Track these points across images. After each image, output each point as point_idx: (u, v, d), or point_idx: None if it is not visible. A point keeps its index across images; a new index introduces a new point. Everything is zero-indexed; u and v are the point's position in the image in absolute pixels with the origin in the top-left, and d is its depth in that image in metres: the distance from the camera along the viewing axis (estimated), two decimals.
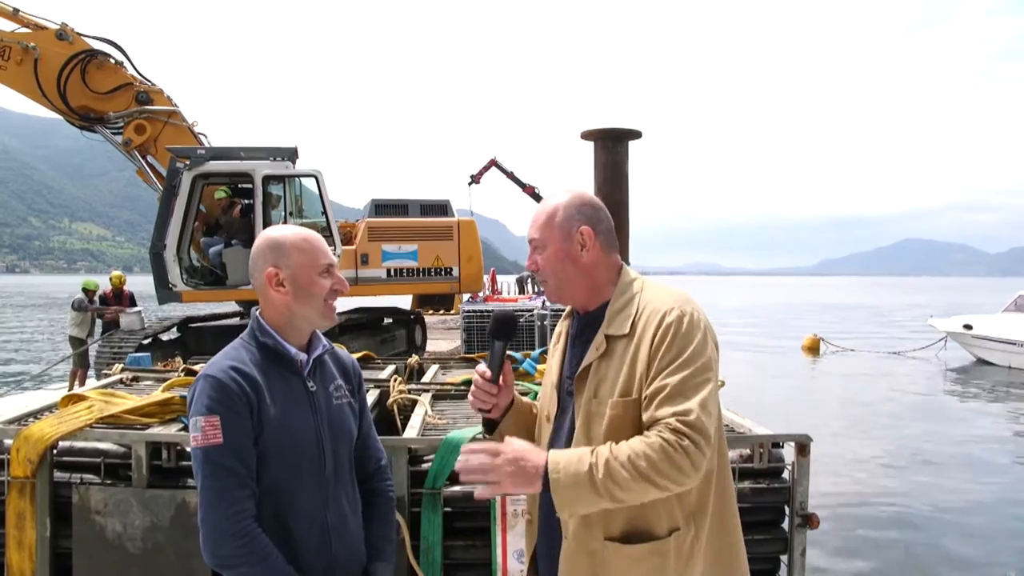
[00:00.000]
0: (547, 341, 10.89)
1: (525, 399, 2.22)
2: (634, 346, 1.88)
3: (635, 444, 1.73)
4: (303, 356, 2.00)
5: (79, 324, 12.50)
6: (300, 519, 1.92)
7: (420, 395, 4.22)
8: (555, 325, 2.24)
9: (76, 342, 12.47)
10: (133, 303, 12.84)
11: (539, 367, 4.65)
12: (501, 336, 2.06)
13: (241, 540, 1.79)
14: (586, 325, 2.02)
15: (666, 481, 1.70)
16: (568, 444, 1.93)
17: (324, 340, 2.09)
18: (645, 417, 1.79)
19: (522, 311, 12.47)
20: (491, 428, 2.15)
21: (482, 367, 2.05)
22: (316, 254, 1.98)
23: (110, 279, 13.32)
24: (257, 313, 2.01)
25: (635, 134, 5.24)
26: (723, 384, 4.70)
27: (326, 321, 2.02)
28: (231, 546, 1.79)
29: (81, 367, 12.24)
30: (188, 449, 3.22)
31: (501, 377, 2.05)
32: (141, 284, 15.00)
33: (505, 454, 1.77)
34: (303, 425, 1.95)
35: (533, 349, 5.40)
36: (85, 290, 12.71)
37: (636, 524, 1.85)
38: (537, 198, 27.20)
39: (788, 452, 3.45)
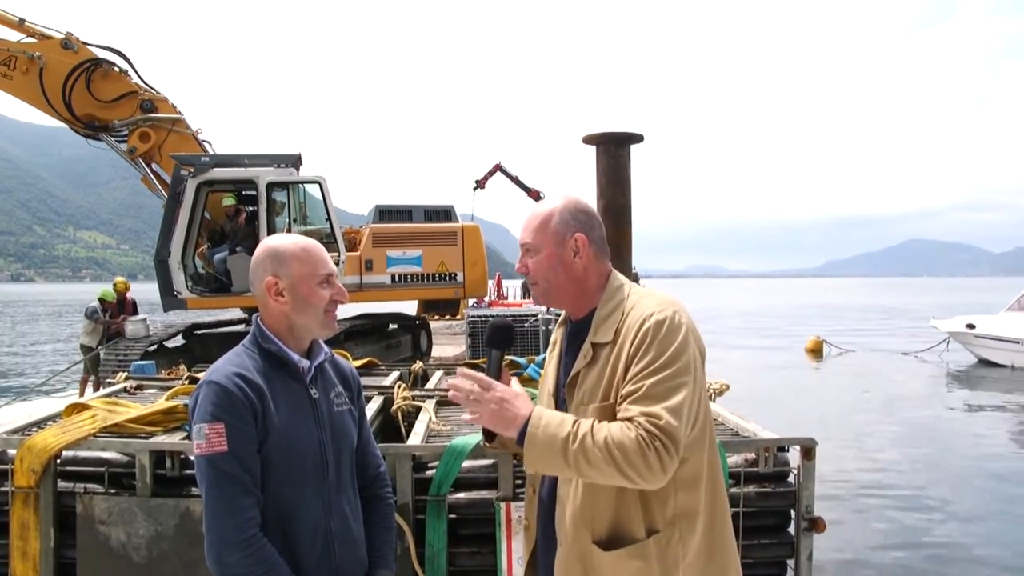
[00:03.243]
0: None
1: None
2: (615, 352, 1.89)
3: (615, 431, 1.75)
4: (306, 363, 1.99)
5: (90, 333, 12.55)
6: (303, 526, 1.91)
7: (424, 401, 4.21)
8: None
9: (87, 351, 12.52)
10: (135, 311, 12.86)
11: (543, 372, 4.65)
12: (498, 345, 2.06)
13: (247, 549, 1.78)
14: (577, 333, 2.03)
15: (633, 473, 1.73)
16: None
17: (325, 347, 2.08)
18: (619, 416, 1.81)
19: (526, 316, 12.47)
20: (491, 437, 2.16)
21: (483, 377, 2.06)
22: (316, 264, 1.97)
23: (114, 286, 13.36)
24: (258, 319, 2.01)
25: (637, 138, 5.23)
26: (728, 388, 4.70)
27: (325, 331, 2.01)
28: (237, 555, 1.78)
29: (94, 373, 12.28)
30: (192, 457, 3.22)
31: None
32: (146, 292, 15.03)
33: (495, 391, 1.83)
34: (306, 432, 1.94)
35: (538, 354, 5.40)
36: (102, 300, 12.74)
37: (619, 527, 1.87)
38: None
39: (793, 456, 3.44)
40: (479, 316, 13.08)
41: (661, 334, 1.83)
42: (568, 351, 2.05)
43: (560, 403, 2.03)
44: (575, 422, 1.78)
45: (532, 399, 2.21)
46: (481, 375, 1.88)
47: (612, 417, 1.83)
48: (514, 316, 12.17)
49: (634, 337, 1.85)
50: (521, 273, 2.05)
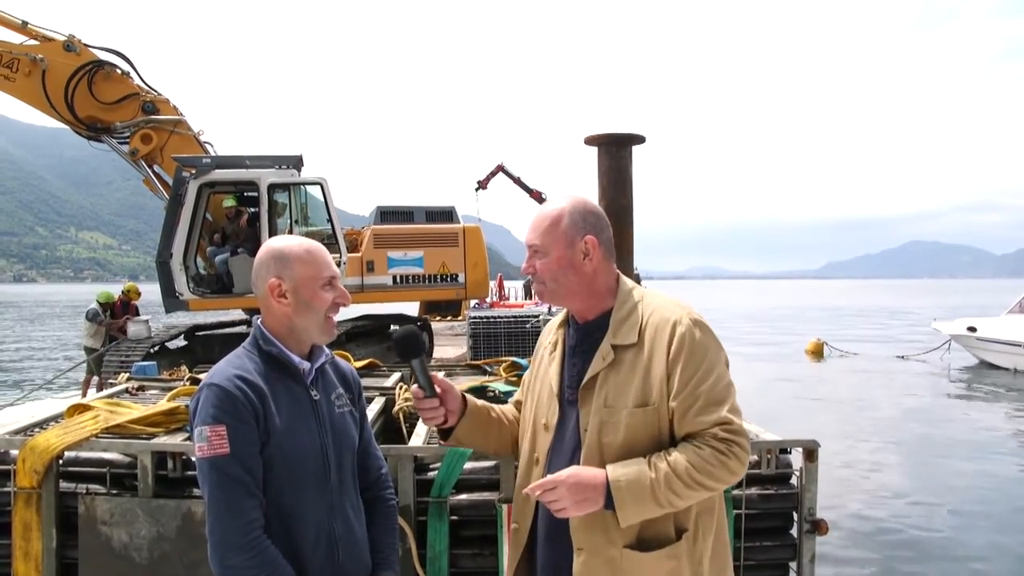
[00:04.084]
0: None
1: (480, 402, 2.22)
2: (645, 355, 1.90)
3: (690, 456, 1.81)
4: (307, 365, 1.99)
5: (93, 335, 12.56)
6: (307, 528, 1.91)
7: None
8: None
9: (90, 352, 12.54)
10: (137, 313, 12.87)
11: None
12: (410, 355, 2.05)
13: (250, 552, 1.78)
14: (586, 335, 2.02)
15: (721, 484, 1.84)
16: (575, 452, 1.95)
17: (326, 350, 2.08)
18: (683, 427, 1.86)
19: (528, 316, 12.45)
20: (446, 435, 2.16)
21: (415, 388, 2.06)
22: (319, 266, 1.97)
23: (126, 291, 13.33)
24: (259, 322, 2.00)
25: (638, 139, 5.22)
26: None
27: (325, 336, 2.01)
28: (240, 558, 1.78)
29: (96, 374, 12.31)
30: (193, 459, 3.22)
31: (437, 388, 2.06)
32: (147, 293, 15.03)
33: (562, 483, 1.83)
34: (308, 434, 1.94)
35: None
36: (100, 303, 12.70)
37: (652, 530, 1.88)
38: (544, 203, 27.17)
39: (796, 458, 3.43)
40: (480, 317, 13.06)
41: (697, 338, 1.89)
42: (576, 352, 2.03)
43: (566, 404, 2.02)
44: (650, 464, 1.82)
45: (483, 390, 2.20)
46: (543, 479, 1.87)
47: (654, 419, 1.87)
48: (516, 317, 12.15)
49: (669, 342, 1.88)
50: (528, 274, 2.04)
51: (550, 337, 2.17)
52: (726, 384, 1.89)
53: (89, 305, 12.90)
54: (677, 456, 1.81)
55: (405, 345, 2.05)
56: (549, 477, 1.86)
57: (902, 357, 23.13)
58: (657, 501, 1.80)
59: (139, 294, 13.34)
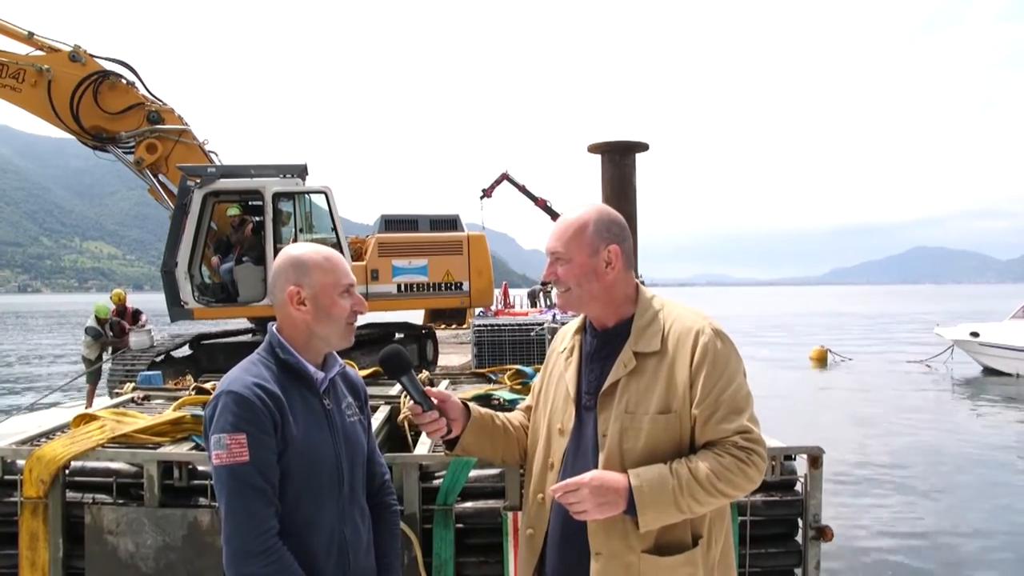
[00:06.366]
0: None
1: (484, 410, 2.22)
2: (668, 363, 1.93)
3: (711, 463, 1.83)
4: (321, 375, 1.99)
5: (90, 346, 12.58)
6: (321, 536, 1.92)
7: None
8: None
9: (89, 363, 12.57)
10: (137, 318, 12.86)
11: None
12: (398, 373, 2.06)
13: (267, 559, 1.78)
14: (605, 342, 2.04)
15: (739, 492, 1.86)
16: (594, 457, 1.96)
17: (339, 360, 2.08)
18: (704, 434, 1.89)
19: (532, 324, 12.46)
20: (452, 445, 2.17)
21: (411, 404, 2.08)
22: (338, 274, 1.97)
23: (111, 298, 13.34)
24: (275, 329, 2.00)
25: (642, 146, 5.24)
26: None
27: (344, 342, 2.01)
28: (257, 565, 1.78)
29: (92, 384, 12.35)
30: (203, 468, 3.23)
31: (433, 399, 2.08)
32: (152, 302, 15.06)
33: (585, 485, 1.84)
34: (323, 443, 1.95)
35: (542, 363, 5.38)
36: (98, 318, 12.67)
37: (670, 535, 1.90)
38: (549, 211, 27.31)
39: (800, 464, 3.43)
40: (485, 325, 13.06)
41: (719, 348, 1.93)
42: (594, 359, 2.05)
43: (582, 410, 2.03)
44: (672, 470, 1.84)
45: (488, 398, 2.20)
46: (566, 481, 1.88)
47: (676, 425, 1.90)
48: (521, 325, 12.16)
49: (692, 350, 1.91)
50: (549, 280, 2.06)
51: (565, 342, 2.19)
52: (746, 394, 1.93)
53: (88, 323, 12.77)
54: (699, 463, 1.84)
55: (391, 363, 2.06)
56: (572, 479, 1.87)
57: (906, 363, 23.04)
58: (678, 507, 1.82)
59: (121, 297, 13.29)
